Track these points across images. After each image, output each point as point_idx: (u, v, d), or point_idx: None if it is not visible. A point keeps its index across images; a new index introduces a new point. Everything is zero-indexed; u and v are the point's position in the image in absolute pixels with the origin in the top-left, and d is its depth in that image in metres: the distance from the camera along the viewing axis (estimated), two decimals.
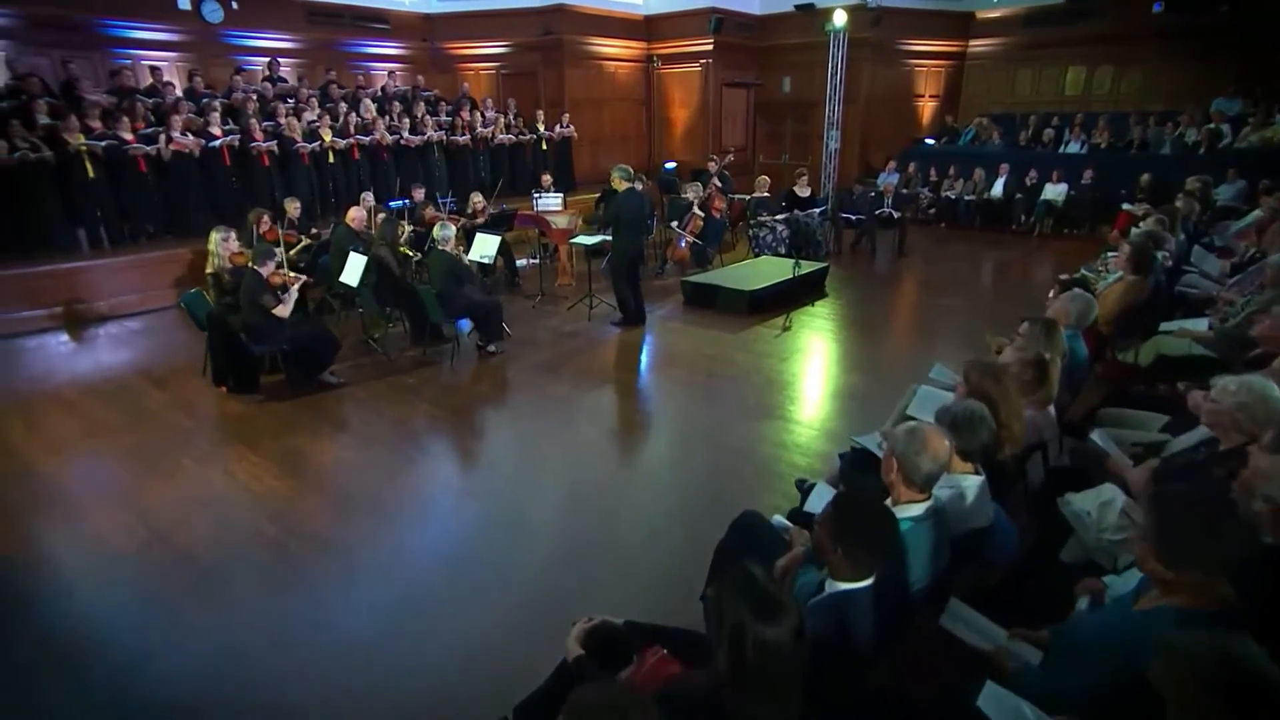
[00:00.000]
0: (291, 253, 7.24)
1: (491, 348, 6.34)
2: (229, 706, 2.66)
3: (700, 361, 6.25)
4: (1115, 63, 13.24)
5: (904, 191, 11.55)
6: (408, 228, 7.65)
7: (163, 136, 8.28)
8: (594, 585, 3.31)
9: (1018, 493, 3.02)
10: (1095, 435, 2.97)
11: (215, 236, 5.68)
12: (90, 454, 4.66)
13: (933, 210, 12.53)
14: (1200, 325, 4.72)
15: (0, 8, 8.91)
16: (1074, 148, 12.16)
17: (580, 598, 3.19)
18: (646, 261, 8.19)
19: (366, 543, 3.68)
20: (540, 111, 12.67)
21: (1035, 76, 14.26)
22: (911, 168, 12.79)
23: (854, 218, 10.63)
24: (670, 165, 13.22)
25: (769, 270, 8.20)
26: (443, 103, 11.80)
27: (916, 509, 2.06)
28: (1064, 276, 5.66)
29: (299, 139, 9.32)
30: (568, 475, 4.40)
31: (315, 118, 9.76)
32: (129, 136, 8.10)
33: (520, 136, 12.21)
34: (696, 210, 9.15)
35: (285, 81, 10.93)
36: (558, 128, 12.70)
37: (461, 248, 7.05)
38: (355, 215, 6.88)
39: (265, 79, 10.62)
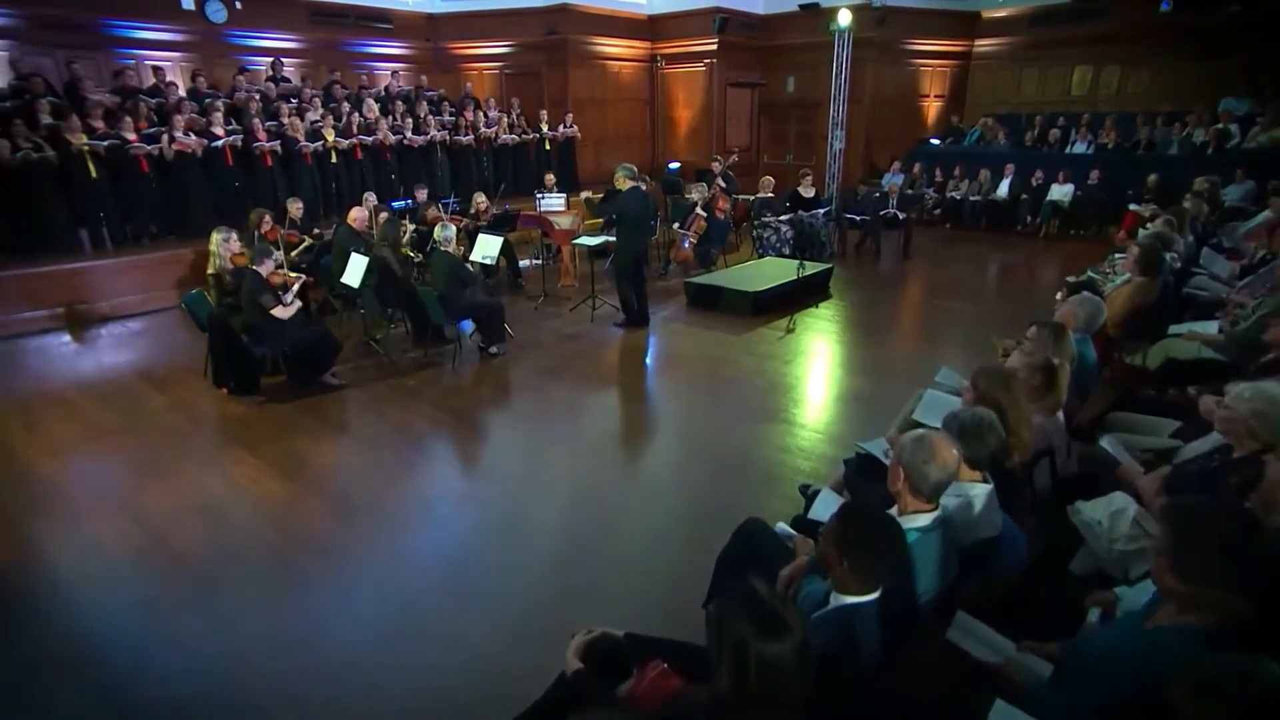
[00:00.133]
0: (294, 253, 7.24)
1: (493, 349, 6.30)
2: (229, 708, 2.65)
3: (703, 363, 6.20)
4: (1122, 62, 13.16)
5: (909, 192, 11.50)
6: (410, 227, 7.62)
7: (165, 136, 8.27)
8: (595, 590, 3.28)
9: (1024, 499, 2.98)
10: (1105, 442, 2.91)
11: (216, 237, 5.65)
12: (90, 457, 4.64)
13: (938, 211, 12.46)
14: (1210, 328, 4.66)
15: (4, 8, 8.93)
16: (1080, 148, 12.07)
17: (581, 602, 3.17)
18: (650, 262, 8.15)
19: (366, 547, 3.65)
20: (544, 111, 12.65)
21: (1041, 76, 14.19)
22: (916, 168, 12.73)
23: (859, 219, 10.57)
24: (674, 165, 13.16)
25: (773, 271, 8.15)
26: (446, 103, 11.77)
27: (924, 519, 2.02)
28: (1071, 279, 5.61)
29: (302, 139, 9.31)
30: (569, 478, 4.36)
31: (318, 117, 9.76)
32: (132, 136, 8.09)
33: (523, 136, 12.18)
34: (700, 211, 9.10)
35: (288, 81, 10.92)
36: (561, 128, 12.67)
37: (464, 248, 7.02)
38: (357, 215, 6.85)
39: (269, 79, 10.61)
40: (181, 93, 9.34)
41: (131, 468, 4.48)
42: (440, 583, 3.37)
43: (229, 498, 4.10)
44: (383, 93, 11.57)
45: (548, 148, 12.51)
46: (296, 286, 5.55)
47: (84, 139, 7.73)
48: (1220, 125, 10.83)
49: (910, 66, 14.75)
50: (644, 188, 6.95)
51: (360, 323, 6.83)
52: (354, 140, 9.96)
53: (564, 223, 8.57)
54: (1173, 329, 4.76)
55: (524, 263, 9.00)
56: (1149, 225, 7.17)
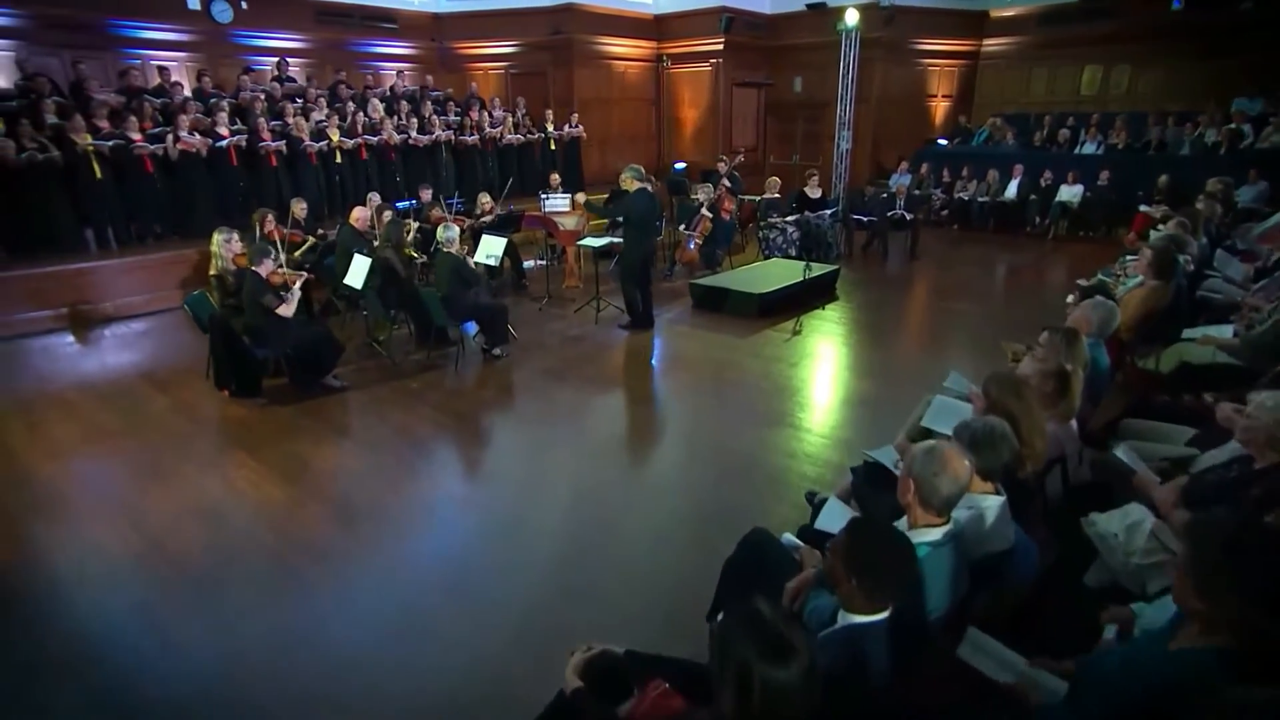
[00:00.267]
0: (297, 253, 7.20)
1: (497, 351, 6.26)
2: (230, 708, 2.65)
3: (708, 366, 6.15)
4: (1133, 61, 13.01)
5: (916, 193, 11.41)
6: (413, 226, 7.58)
7: (170, 136, 8.25)
8: (596, 591, 3.24)
9: (1036, 509, 2.91)
10: (1119, 451, 2.84)
11: (218, 238, 5.61)
12: (90, 459, 4.61)
13: (945, 212, 12.36)
14: (1225, 332, 4.57)
15: (10, 8, 8.93)
16: (1090, 148, 11.95)
17: (582, 603, 3.15)
18: (655, 264, 8.09)
19: (367, 550, 3.61)
20: (549, 111, 12.59)
21: (1050, 76, 14.05)
22: (924, 169, 12.63)
23: (866, 219, 10.49)
24: (680, 166, 13.11)
25: (779, 273, 8.08)
26: (451, 102, 11.74)
27: (934, 533, 1.95)
28: (1083, 282, 5.52)
29: (307, 139, 9.29)
30: (572, 481, 4.31)
31: (323, 117, 9.73)
32: (137, 136, 8.08)
33: (528, 136, 12.14)
34: (705, 212, 9.04)
35: (294, 81, 10.90)
36: (566, 127, 12.62)
37: (467, 248, 6.97)
38: (359, 215, 6.81)
39: (274, 79, 10.59)
40: (187, 93, 9.32)
41: (132, 470, 4.45)
42: (441, 584, 3.35)
43: (229, 501, 4.07)
44: (388, 92, 11.55)
45: (553, 148, 12.47)
46: (298, 285, 5.51)
47: (89, 139, 7.73)
48: (1233, 125, 10.68)
49: (918, 66, 14.64)
50: (650, 189, 6.90)
51: (363, 324, 6.79)
52: (359, 140, 9.93)
53: (569, 223, 8.51)
54: (1186, 333, 4.68)
55: (528, 263, 8.95)
56: (1160, 227, 7.07)
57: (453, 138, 11.09)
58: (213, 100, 9.19)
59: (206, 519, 3.88)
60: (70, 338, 7.05)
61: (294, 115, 9.41)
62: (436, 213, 8.02)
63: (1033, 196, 11.49)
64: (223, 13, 10.69)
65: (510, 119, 11.88)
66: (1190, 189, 8.83)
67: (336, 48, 12.20)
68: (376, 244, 6.71)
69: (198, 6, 10.48)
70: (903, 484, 2.01)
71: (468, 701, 2.63)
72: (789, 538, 2.53)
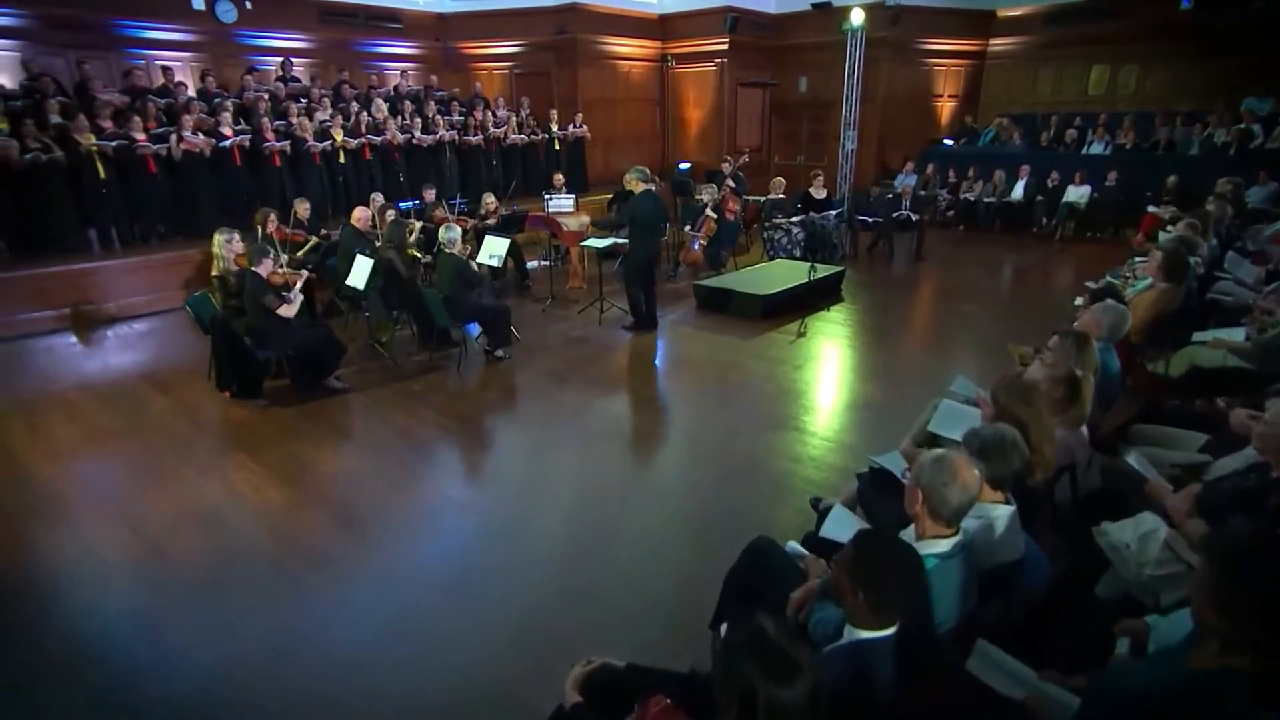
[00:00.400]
0: (300, 253, 7.19)
1: (500, 353, 6.22)
2: (230, 707, 2.64)
3: (712, 368, 6.10)
4: (1140, 61, 12.91)
5: (922, 193, 11.34)
6: (416, 225, 7.56)
7: (173, 136, 8.24)
8: (598, 598, 3.21)
9: (1045, 517, 2.86)
10: (1131, 458, 2.78)
11: (219, 239, 5.57)
12: (90, 461, 4.58)
13: (951, 213, 12.29)
14: (1236, 335, 4.50)
15: (16, 8, 8.94)
16: (1097, 148, 11.86)
17: (584, 610, 3.12)
18: (660, 264, 8.05)
19: (367, 552, 3.59)
20: (553, 111, 12.56)
21: (1057, 75, 13.96)
22: (930, 169, 12.54)
23: (871, 220, 10.42)
24: (684, 166, 13.06)
25: (784, 274, 8.03)
26: (455, 102, 11.72)
27: (943, 545, 1.91)
28: (1092, 285, 5.46)
29: (310, 139, 9.27)
30: (574, 486, 4.28)
31: (327, 117, 9.71)
32: (140, 137, 8.07)
33: (532, 136, 12.11)
34: (710, 212, 8.99)
35: (298, 81, 10.89)
36: (571, 127, 12.59)
37: (470, 248, 6.94)
38: (360, 215, 6.77)
39: (278, 78, 10.59)
40: (191, 93, 9.32)
41: (131, 473, 4.43)
42: (442, 585, 3.34)
43: (228, 505, 4.03)
44: (391, 92, 11.53)
45: (557, 148, 12.43)
46: (299, 284, 5.48)
47: (92, 139, 7.72)
48: (1243, 125, 10.60)
49: (924, 66, 14.56)
50: (655, 190, 6.85)
51: (365, 325, 6.76)
52: (363, 140, 9.91)
53: (572, 224, 8.48)
54: (1197, 336, 4.61)
55: (532, 264, 8.92)
56: (1169, 228, 7.00)
57: (456, 138, 11.06)
58: (216, 100, 9.19)
59: (206, 521, 3.85)
60: (73, 338, 7.04)
61: (298, 115, 9.40)
62: (439, 213, 7.99)
63: (1039, 197, 11.42)
64: (227, 13, 10.69)
65: (514, 119, 11.85)
66: (1199, 190, 8.75)
67: (341, 48, 12.20)
68: (379, 244, 6.68)
69: (202, 6, 10.48)
70: (910, 494, 1.96)
71: (468, 701, 2.63)
72: (793, 546, 2.48)
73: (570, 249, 8.63)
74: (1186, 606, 1.95)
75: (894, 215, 10.17)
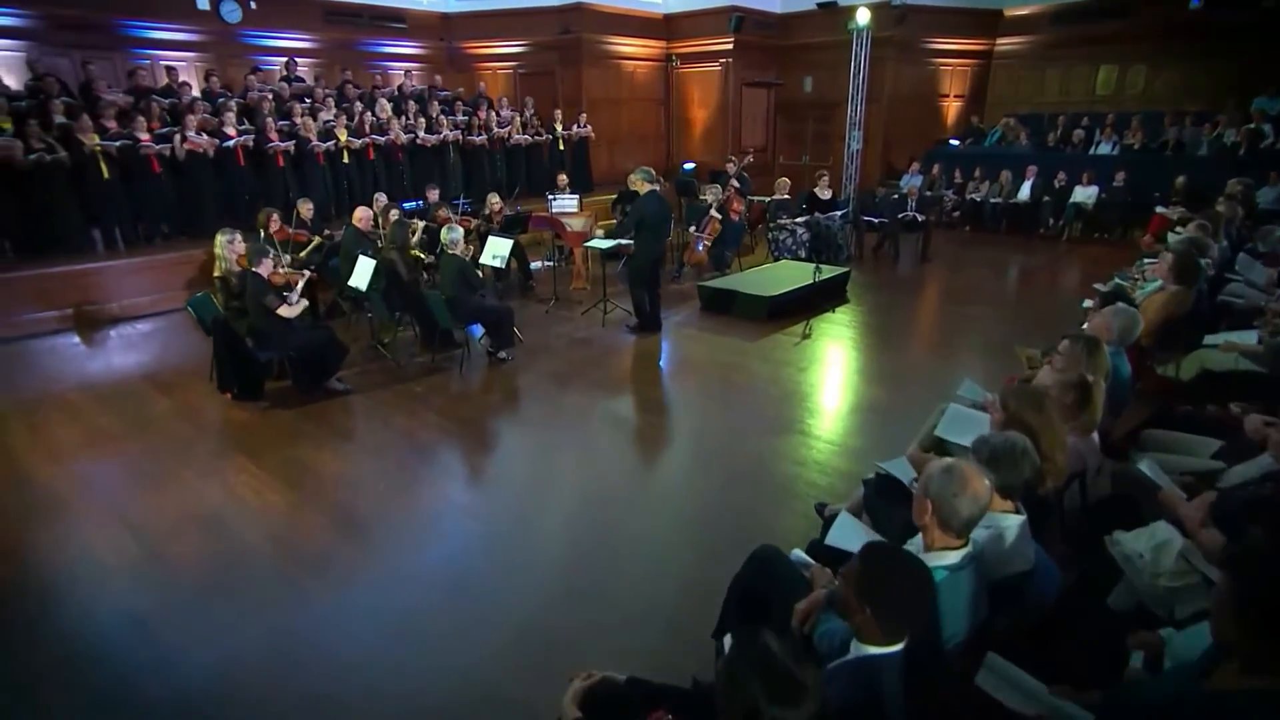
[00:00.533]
0: (302, 253, 7.17)
1: (502, 354, 6.19)
2: (230, 707, 2.64)
3: (716, 370, 6.06)
4: (1149, 61, 12.79)
5: (928, 194, 11.26)
6: (419, 225, 7.53)
7: (177, 137, 8.23)
8: (600, 599, 3.19)
9: (1055, 525, 2.81)
10: (1143, 465, 2.73)
11: (221, 239, 5.54)
12: (90, 462, 4.56)
13: (957, 213, 12.20)
14: (1248, 338, 4.44)
15: (22, 9, 8.95)
16: (1105, 149, 11.76)
17: (585, 611, 3.11)
18: (664, 265, 8.00)
19: (368, 554, 3.58)
20: (557, 111, 12.53)
21: (1064, 75, 13.85)
22: (936, 169, 12.46)
23: (876, 221, 10.35)
24: (689, 166, 13.01)
25: (788, 275, 7.98)
26: (459, 102, 11.70)
27: (952, 557, 1.86)
28: (1101, 287, 5.39)
29: (314, 139, 9.25)
30: (577, 489, 4.24)
31: (331, 117, 9.69)
32: (144, 137, 8.06)
33: (537, 137, 12.07)
34: (714, 213, 8.95)
35: (301, 81, 10.87)
36: (575, 127, 12.55)
37: (473, 249, 6.90)
38: (361, 215, 6.74)
39: (282, 78, 10.57)
40: (195, 93, 9.31)
41: (131, 475, 4.41)
42: (442, 586, 3.34)
43: (227, 508, 4.00)
44: (395, 92, 11.51)
45: (561, 148, 12.40)
46: (301, 284, 5.46)
47: (96, 139, 7.71)
48: (1252, 125, 10.49)
49: (930, 66, 14.47)
50: (660, 190, 6.81)
51: (368, 326, 6.73)
52: (366, 140, 9.89)
53: (576, 225, 8.44)
54: (1207, 339, 4.55)
55: (535, 265, 8.88)
56: (1177, 229, 6.93)
57: (460, 138, 11.04)
58: (220, 100, 9.18)
59: (207, 524, 3.82)
60: (76, 338, 7.03)
61: (302, 115, 9.39)
62: (443, 213, 7.96)
63: (1046, 198, 11.32)
64: (232, 13, 10.69)
65: (518, 119, 11.82)
66: (1208, 190, 8.67)
67: (345, 48, 12.18)
68: (381, 245, 6.65)
69: (207, 7, 10.49)
70: (919, 505, 1.91)
71: (469, 702, 2.63)
72: (798, 554, 2.43)
73: (574, 250, 8.59)
74: (1203, 620, 1.90)
75: (899, 216, 10.10)
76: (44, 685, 2.74)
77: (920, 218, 10.11)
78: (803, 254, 9.21)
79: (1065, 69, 13.80)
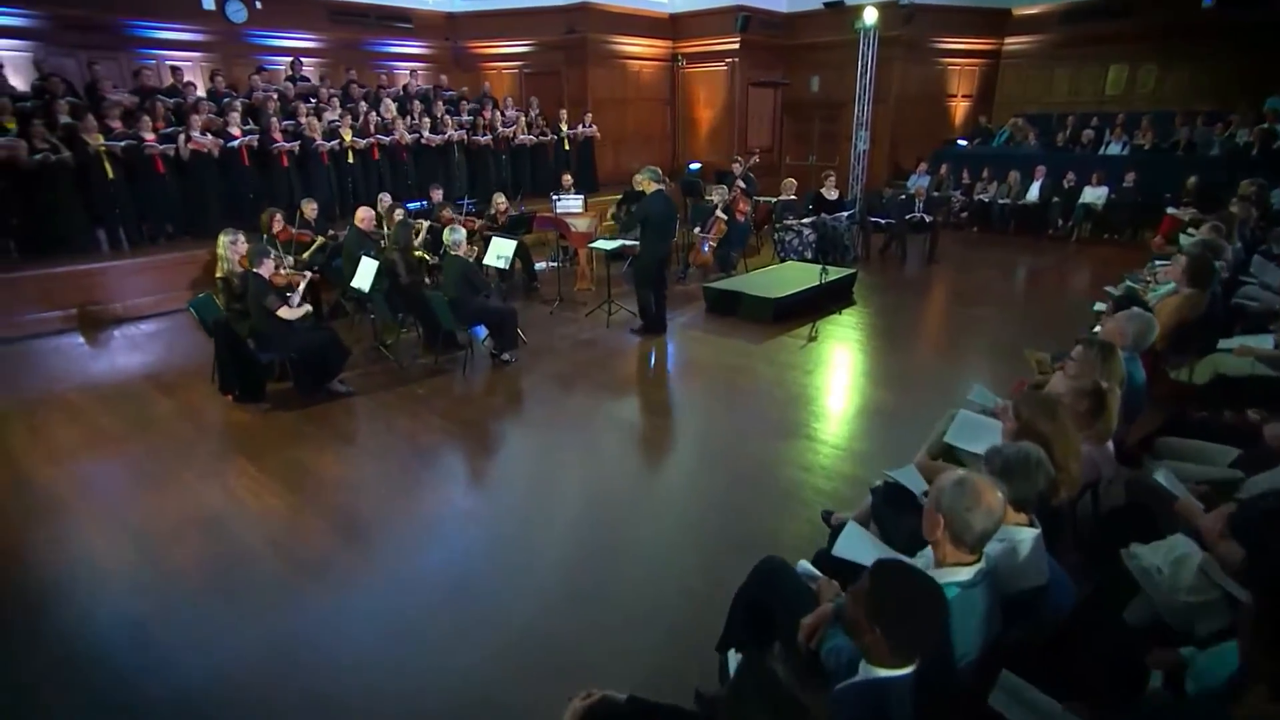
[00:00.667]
0: (305, 254, 7.15)
1: (506, 356, 6.14)
2: (230, 706, 2.65)
3: (721, 373, 6.00)
4: (1160, 60, 12.66)
5: (935, 194, 11.17)
6: (424, 226, 7.49)
7: (181, 137, 8.22)
8: (602, 606, 3.15)
9: (1068, 537, 2.74)
10: (1159, 475, 2.65)
11: (224, 240, 5.51)
12: (90, 464, 4.54)
13: (965, 214, 12.11)
14: (1264, 342, 4.35)
15: (28, 9, 8.95)
16: (1115, 149, 11.64)
17: (586, 613, 3.08)
18: (670, 266, 7.95)
19: (369, 556, 3.55)
20: (563, 111, 12.48)
21: (1074, 75, 13.72)
22: (943, 170, 12.35)
23: (883, 222, 10.28)
24: (695, 166, 12.95)
25: (794, 276, 7.91)
26: (464, 102, 11.66)
27: (965, 573, 1.80)
28: (1112, 290, 5.30)
29: (319, 139, 9.23)
30: (580, 491, 4.19)
31: (336, 117, 9.67)
32: (149, 137, 8.05)
33: (541, 136, 12.03)
34: (720, 213, 8.88)
35: (306, 81, 10.86)
36: (580, 127, 12.50)
37: (477, 249, 6.86)
38: (364, 216, 6.69)
39: (287, 78, 10.56)
40: (200, 93, 9.30)
41: (131, 477, 4.38)
42: (443, 587, 3.32)
43: (227, 512, 3.97)
44: (400, 92, 11.48)
45: (566, 148, 12.35)
46: (303, 285, 5.42)
47: (101, 139, 7.70)
48: (1265, 125, 10.35)
49: (937, 65, 14.36)
50: (666, 190, 6.76)
51: (371, 327, 6.70)
52: (371, 140, 9.87)
53: (581, 225, 8.38)
54: (1222, 343, 4.46)
55: (540, 265, 8.84)
56: (1189, 230, 6.83)
57: (465, 138, 11.00)
58: (225, 100, 9.16)
59: (207, 526, 3.80)
60: (79, 339, 7.01)
61: (306, 115, 9.36)
62: (447, 214, 7.92)
63: (1055, 198, 11.21)
64: (237, 13, 10.68)
65: (523, 119, 11.78)
66: (1220, 191, 8.55)
67: (350, 47, 12.17)
68: (384, 245, 6.61)
69: (212, 7, 10.48)
70: (930, 520, 1.85)
71: (469, 702, 2.63)
72: (805, 566, 2.37)
73: (579, 250, 8.54)
74: (1225, 640, 1.84)
75: (907, 217, 10.01)
76: (44, 686, 2.74)
77: (928, 218, 10.02)
78: (809, 255, 9.13)
79: (1074, 68, 13.67)
